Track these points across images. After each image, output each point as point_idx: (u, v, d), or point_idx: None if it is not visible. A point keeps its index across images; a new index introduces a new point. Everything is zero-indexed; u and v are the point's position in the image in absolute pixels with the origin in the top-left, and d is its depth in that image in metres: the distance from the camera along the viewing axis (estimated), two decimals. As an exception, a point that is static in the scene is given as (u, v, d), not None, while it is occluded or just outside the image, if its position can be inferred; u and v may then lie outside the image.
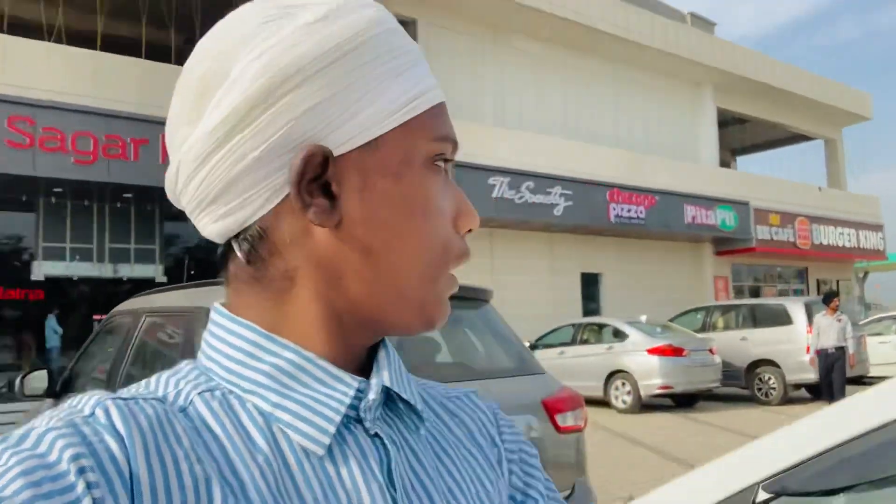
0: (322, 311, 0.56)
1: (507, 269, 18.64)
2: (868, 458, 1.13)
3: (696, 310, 15.86)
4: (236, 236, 0.57)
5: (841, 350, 11.11)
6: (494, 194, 16.98)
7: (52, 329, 14.70)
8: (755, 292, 25.28)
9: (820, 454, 1.17)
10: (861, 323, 16.05)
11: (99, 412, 0.49)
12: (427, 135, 0.58)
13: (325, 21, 0.54)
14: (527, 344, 14.46)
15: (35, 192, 13.55)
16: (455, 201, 0.60)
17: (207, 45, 0.56)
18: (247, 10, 0.57)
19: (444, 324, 0.60)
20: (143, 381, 0.56)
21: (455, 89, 18.64)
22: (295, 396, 0.54)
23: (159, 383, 0.55)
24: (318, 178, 0.54)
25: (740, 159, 33.61)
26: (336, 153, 0.54)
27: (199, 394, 0.54)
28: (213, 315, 0.59)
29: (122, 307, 4.61)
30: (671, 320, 15.29)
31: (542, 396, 3.57)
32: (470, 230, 0.61)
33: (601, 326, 13.91)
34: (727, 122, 27.21)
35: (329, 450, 0.54)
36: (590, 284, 20.81)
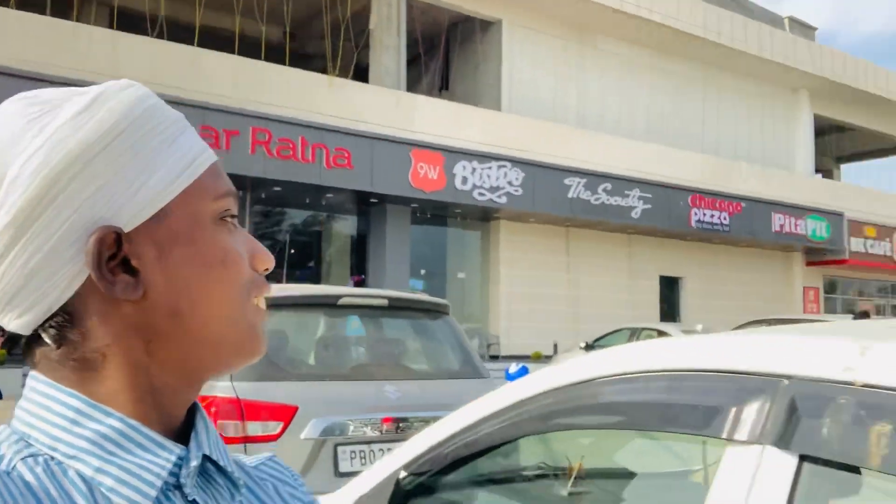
0: (138, 380, 0.58)
1: (584, 269, 18.82)
2: (467, 442, 1.40)
3: (763, 321, 15.65)
4: (42, 324, 0.57)
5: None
6: (570, 194, 17.22)
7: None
8: (850, 306, 24.40)
9: (443, 440, 1.42)
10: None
11: None
12: (209, 195, 0.61)
13: (88, 111, 0.56)
14: (583, 344, 14.72)
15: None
16: (248, 246, 0.63)
17: None
18: (8, 110, 0.57)
19: (263, 353, 0.64)
20: None
21: (538, 89, 18.93)
22: (117, 462, 0.55)
23: None
24: (114, 256, 0.56)
25: (845, 167, 32.31)
26: (127, 229, 0.56)
27: (23, 459, 0.54)
28: (31, 383, 0.58)
29: None
30: (735, 329, 15.14)
31: (477, 397, 3.97)
32: (267, 269, 0.65)
33: (659, 333, 13.99)
34: (826, 129, 26.32)
35: None
36: (669, 288, 20.69)
